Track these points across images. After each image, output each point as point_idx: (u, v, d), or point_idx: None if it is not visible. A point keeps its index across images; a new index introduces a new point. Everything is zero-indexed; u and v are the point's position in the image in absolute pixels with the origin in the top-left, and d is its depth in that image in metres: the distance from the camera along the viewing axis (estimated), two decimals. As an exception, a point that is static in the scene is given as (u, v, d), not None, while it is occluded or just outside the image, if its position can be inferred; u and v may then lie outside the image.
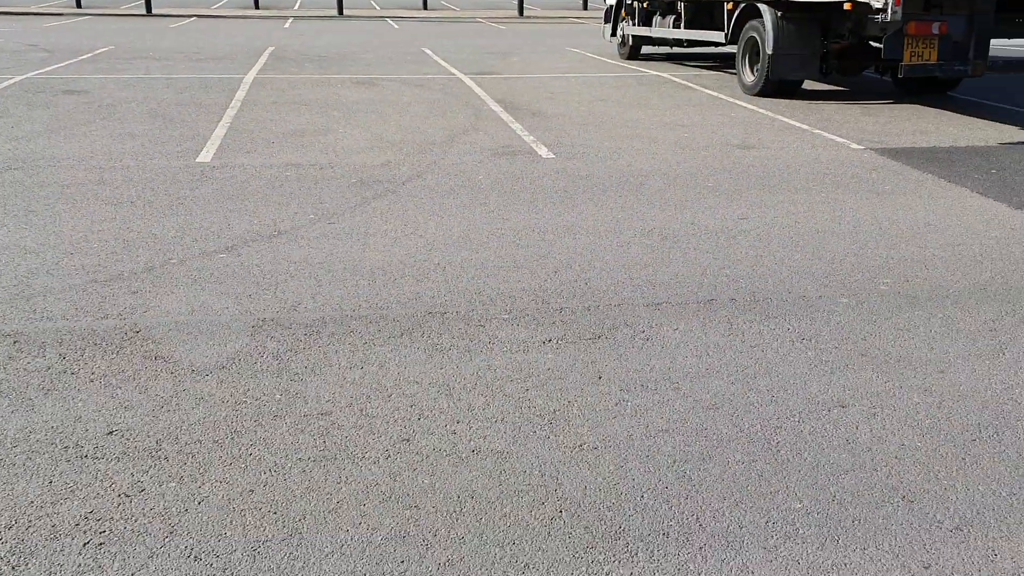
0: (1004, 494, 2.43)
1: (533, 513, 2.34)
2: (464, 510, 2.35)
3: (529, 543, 2.22)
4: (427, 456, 2.60)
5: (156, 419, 2.78)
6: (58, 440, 2.66)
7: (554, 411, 2.87)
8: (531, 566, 2.13)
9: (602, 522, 2.30)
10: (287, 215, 5.00)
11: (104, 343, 3.32)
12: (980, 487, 2.47)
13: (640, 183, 5.81)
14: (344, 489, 2.43)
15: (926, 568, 2.13)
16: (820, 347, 3.34)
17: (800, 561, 2.15)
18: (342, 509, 2.34)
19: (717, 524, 2.29)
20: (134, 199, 5.31)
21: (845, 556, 2.17)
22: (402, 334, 3.43)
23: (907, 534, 2.25)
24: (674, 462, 2.57)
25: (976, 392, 3.01)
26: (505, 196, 5.46)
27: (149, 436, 2.68)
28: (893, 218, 5.07)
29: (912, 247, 4.56)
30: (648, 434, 2.72)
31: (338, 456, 2.59)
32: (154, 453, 2.59)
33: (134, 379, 3.04)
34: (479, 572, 2.11)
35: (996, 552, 2.19)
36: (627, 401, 2.92)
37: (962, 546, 2.21)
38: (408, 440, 2.69)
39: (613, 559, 2.15)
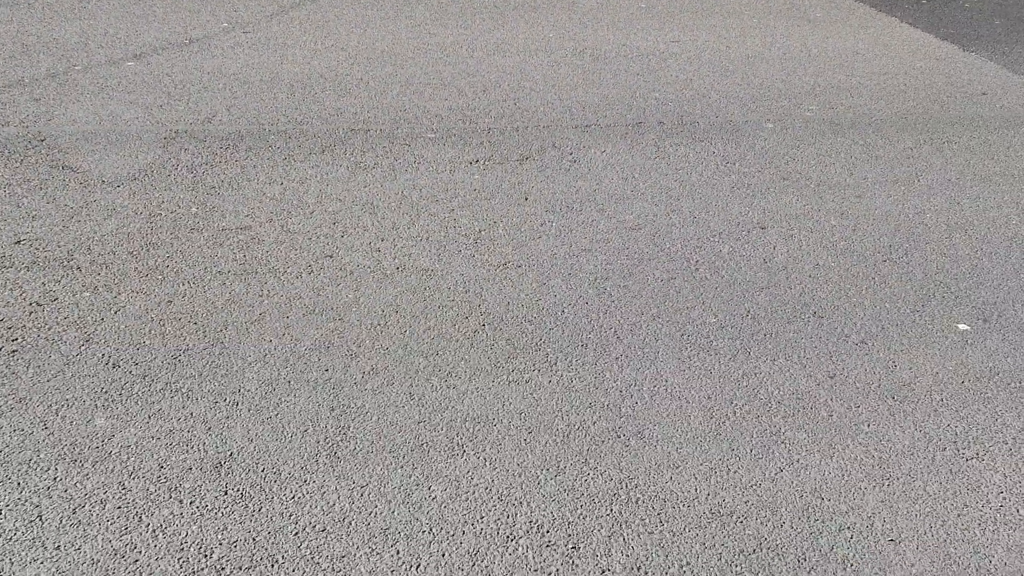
0: (907, 311, 2.56)
1: (457, 326, 2.36)
2: (389, 323, 2.36)
3: (452, 353, 2.25)
4: (351, 272, 2.58)
5: (66, 229, 2.67)
6: (-40, 250, 2.54)
7: (479, 231, 2.85)
8: (454, 374, 2.17)
9: (523, 335, 2.34)
10: (199, 22, 4.69)
11: (7, 151, 3.13)
12: (886, 304, 2.58)
13: (573, 1, 5.61)
14: (266, 302, 2.41)
15: (831, 377, 2.25)
16: (744, 171, 3.37)
17: (712, 371, 2.24)
18: (265, 320, 2.33)
19: (634, 337, 2.36)
20: (32, 1, 4.90)
21: (755, 367, 2.27)
22: (323, 150, 3.32)
23: (815, 347, 2.36)
24: (595, 279, 2.61)
25: (890, 216, 3.10)
26: (432, 10, 5.21)
27: (60, 246, 2.58)
28: (823, 45, 5.04)
29: (839, 74, 4.56)
30: (571, 253, 2.74)
31: (259, 270, 2.55)
32: (65, 263, 2.50)
33: (41, 188, 2.89)
34: (403, 379, 2.14)
35: (895, 363, 2.32)
36: (552, 221, 2.92)
37: (865, 358, 2.34)
38: (331, 256, 2.65)
39: (533, 368, 2.21)
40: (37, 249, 2.57)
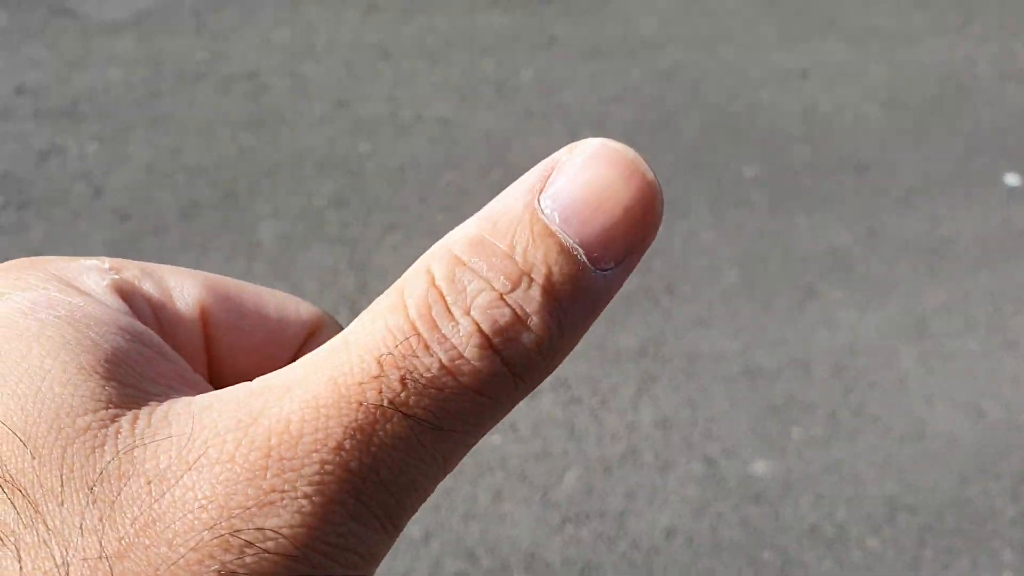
0: (953, 165, 2.43)
1: (479, 180, 2.27)
2: (407, 177, 2.27)
3: (474, 208, 2.16)
4: (366, 122, 2.46)
5: (69, 78, 2.55)
6: (-39, 99, 2.44)
7: (502, 78, 2.71)
8: (477, 229, 2.10)
9: (549, 188, 2.25)
10: None
11: (0, -5, 2.97)
12: (931, 157, 2.45)
13: None
14: (278, 154, 2.31)
15: (870, 233, 2.15)
16: (786, 15, 3.16)
17: (747, 226, 2.15)
18: (277, 173, 2.24)
19: (666, 191, 2.25)
20: None
21: (792, 222, 2.17)
22: (336, -7, 3.14)
23: (855, 202, 2.26)
24: (626, 131, 2.49)
25: (939, 64, 2.92)
26: None
27: (63, 96, 2.47)
28: None
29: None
30: (600, 102, 2.61)
31: (269, 120, 2.44)
32: (70, 113, 2.40)
33: (40, 35, 2.75)
34: (423, 235, 2.07)
35: (937, 219, 2.22)
36: (580, 68, 2.77)
37: (906, 213, 2.23)
38: (345, 105, 2.53)
39: (560, 223, 2.13)
40: (40, 99, 2.46)
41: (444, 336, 0.19)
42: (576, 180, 0.19)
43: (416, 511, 0.19)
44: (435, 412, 0.19)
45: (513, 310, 0.19)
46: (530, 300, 0.19)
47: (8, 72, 2.56)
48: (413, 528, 1.56)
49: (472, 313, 0.19)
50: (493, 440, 1.68)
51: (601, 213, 0.19)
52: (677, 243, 2.10)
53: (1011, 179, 2.39)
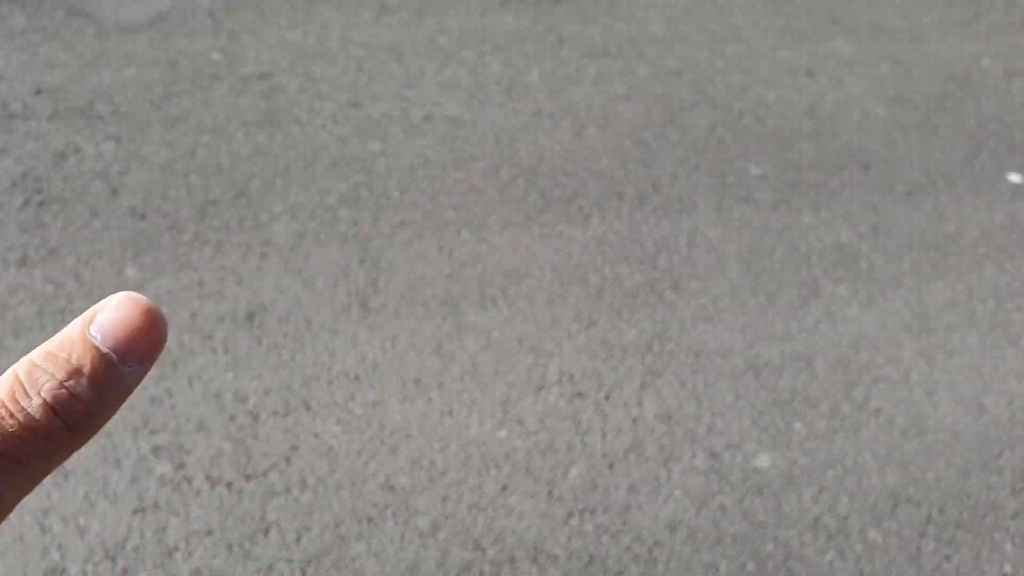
0: (958, 161, 2.44)
1: (488, 178, 2.30)
2: (417, 175, 2.30)
3: (483, 206, 2.20)
4: (377, 122, 2.50)
5: (85, 78, 2.60)
6: (-19, 100, 2.49)
7: (511, 77, 2.74)
8: (485, 227, 2.13)
9: (557, 187, 2.27)
10: None
11: (19, -2, 3.03)
12: (935, 155, 2.47)
13: None
14: (291, 153, 2.35)
15: (874, 229, 2.17)
16: (792, 13, 3.18)
17: (752, 223, 2.18)
18: (290, 172, 2.28)
19: (672, 188, 2.28)
20: None
21: (797, 218, 2.19)
22: (348, -7, 3.17)
23: (859, 198, 2.28)
24: (633, 128, 2.51)
25: (945, 61, 2.92)
26: None
27: (79, 96, 2.52)
28: None
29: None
30: (608, 100, 2.63)
31: (283, 120, 2.48)
32: (87, 113, 2.45)
33: (57, 36, 2.81)
34: (433, 232, 2.11)
35: (941, 215, 2.24)
36: (588, 67, 2.79)
37: (910, 209, 2.25)
38: (357, 105, 2.57)
39: (566, 220, 2.15)
40: (57, 99, 2.51)
41: (23, 407, 0.29)
42: (111, 314, 0.30)
43: (8, 512, 0.31)
44: (15, 451, 0.29)
45: (68, 391, 0.30)
46: (80, 384, 0.30)
47: (26, 73, 2.61)
48: (421, 519, 1.59)
49: (42, 393, 0.30)
50: (500, 434, 1.71)
51: (125, 333, 0.30)
52: (683, 239, 2.13)
53: (1015, 176, 2.41)
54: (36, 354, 0.31)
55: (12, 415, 0.29)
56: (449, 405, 1.74)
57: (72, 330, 0.31)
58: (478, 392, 1.77)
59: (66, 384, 0.30)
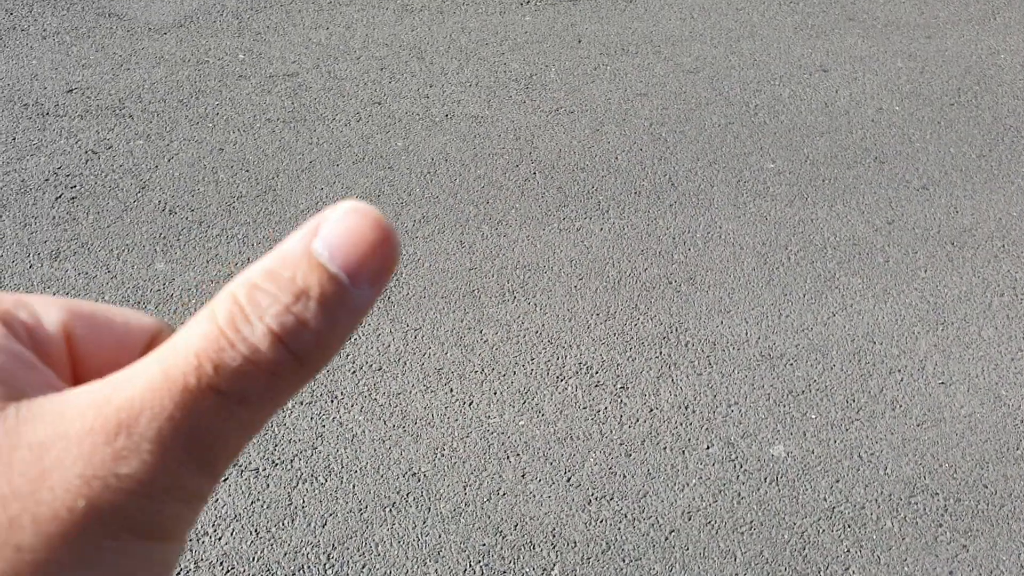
0: (973, 156, 2.46)
1: (507, 174, 2.34)
2: (438, 171, 2.34)
3: (503, 201, 2.24)
4: (400, 119, 2.54)
5: (116, 77, 2.66)
6: (16, 98, 2.56)
7: (530, 75, 2.78)
8: (504, 222, 2.17)
9: (575, 182, 2.31)
10: None
11: None
12: (951, 149, 2.48)
13: None
14: (316, 150, 2.40)
15: (889, 223, 2.19)
16: (807, 10, 3.20)
17: (768, 217, 2.20)
18: (315, 168, 2.33)
19: (689, 184, 2.31)
20: None
21: (812, 213, 2.22)
22: (369, -6, 3.23)
23: (875, 192, 2.30)
24: (650, 125, 2.54)
25: (960, 57, 2.93)
26: None
27: (111, 95, 2.59)
28: None
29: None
30: (626, 98, 2.66)
31: (308, 117, 2.53)
32: (117, 112, 2.51)
33: (89, 36, 2.87)
34: (454, 227, 2.15)
35: (957, 209, 2.25)
36: (606, 65, 2.83)
37: (926, 203, 2.27)
38: (379, 103, 2.61)
39: (584, 216, 2.19)
40: (89, 97, 2.57)
41: (244, 336, 0.25)
42: (337, 228, 0.26)
43: (231, 462, 0.27)
44: (239, 390, 0.26)
45: (296, 316, 0.26)
46: (308, 309, 0.26)
47: (58, 72, 2.67)
48: (443, 504, 1.63)
49: (265, 319, 0.26)
50: (519, 423, 1.75)
51: (356, 249, 0.26)
52: (699, 233, 2.16)
53: (1032, 170, 2.42)
54: (255, 273, 0.27)
55: (233, 345, 0.26)
56: (470, 395, 1.78)
57: (293, 245, 0.27)
58: (498, 382, 1.81)
59: (293, 309, 0.26)
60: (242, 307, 0.26)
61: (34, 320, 0.31)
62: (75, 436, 0.25)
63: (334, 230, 0.26)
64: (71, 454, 0.25)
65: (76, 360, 0.32)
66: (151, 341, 0.33)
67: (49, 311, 0.31)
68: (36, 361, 0.29)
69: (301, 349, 0.26)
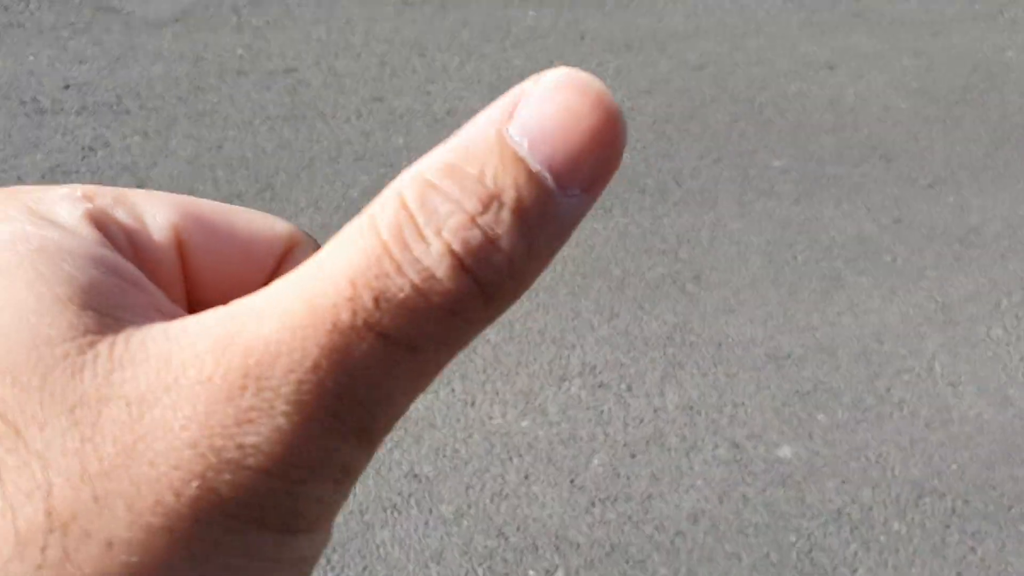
0: (981, 154, 2.44)
1: (509, 171, 2.32)
2: (440, 168, 2.32)
3: (505, 198, 2.22)
4: (401, 116, 2.52)
5: (113, 73, 2.64)
6: (13, 95, 2.53)
7: (533, 71, 2.74)
8: (507, 219, 2.15)
9: (579, 179, 2.29)
10: None
11: (47, -5, 3.07)
12: (958, 147, 2.46)
13: None
14: (316, 147, 2.38)
15: (896, 222, 2.17)
16: (813, 7, 3.17)
17: (774, 215, 2.18)
18: (315, 166, 2.30)
19: (694, 181, 2.29)
20: None
21: (819, 211, 2.20)
22: (370, -10, 3.20)
23: (882, 191, 2.28)
24: (655, 122, 2.52)
25: (968, 54, 2.91)
26: None
27: (108, 91, 2.56)
28: None
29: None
30: (630, 95, 2.64)
31: (307, 114, 2.50)
32: (115, 108, 2.49)
33: (86, 32, 2.85)
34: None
35: (964, 208, 2.23)
36: (610, 61, 2.80)
37: (933, 202, 2.25)
38: (380, 99, 2.59)
39: (588, 214, 2.17)
40: (86, 94, 2.55)
41: (416, 257, 0.19)
42: (542, 108, 0.19)
43: (391, 428, 0.20)
44: (408, 331, 0.19)
45: (484, 231, 0.19)
46: (500, 222, 0.19)
47: (55, 68, 2.65)
48: (445, 506, 1.61)
49: (443, 234, 0.19)
50: (522, 424, 1.73)
51: (567, 139, 0.19)
52: (705, 232, 2.13)
53: (1041, 168, 2.40)
54: (430, 167, 0.20)
55: (400, 269, 0.19)
56: (472, 395, 1.75)
57: (482, 130, 0.20)
58: (501, 383, 1.78)
59: (480, 220, 0.19)
60: (412, 215, 0.19)
61: (137, 222, 0.24)
62: (186, 388, 0.18)
63: (537, 111, 0.19)
64: (180, 414, 0.18)
65: (190, 274, 0.25)
66: (287, 253, 0.26)
67: (157, 211, 0.24)
68: (140, 276, 0.21)
69: (488, 277, 0.19)
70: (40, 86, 2.57)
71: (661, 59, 2.82)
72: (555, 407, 1.75)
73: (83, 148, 2.33)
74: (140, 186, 2.20)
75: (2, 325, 0.18)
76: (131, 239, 0.23)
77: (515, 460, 1.68)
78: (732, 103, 2.61)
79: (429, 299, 0.19)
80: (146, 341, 0.19)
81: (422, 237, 0.19)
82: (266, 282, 0.21)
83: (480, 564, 1.54)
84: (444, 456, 1.67)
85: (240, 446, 0.18)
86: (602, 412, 1.75)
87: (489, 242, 0.19)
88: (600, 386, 1.80)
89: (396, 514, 1.58)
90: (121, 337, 0.19)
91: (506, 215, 0.19)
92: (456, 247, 0.19)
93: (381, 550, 1.54)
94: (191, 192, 2.18)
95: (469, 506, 1.61)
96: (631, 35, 2.94)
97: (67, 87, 2.57)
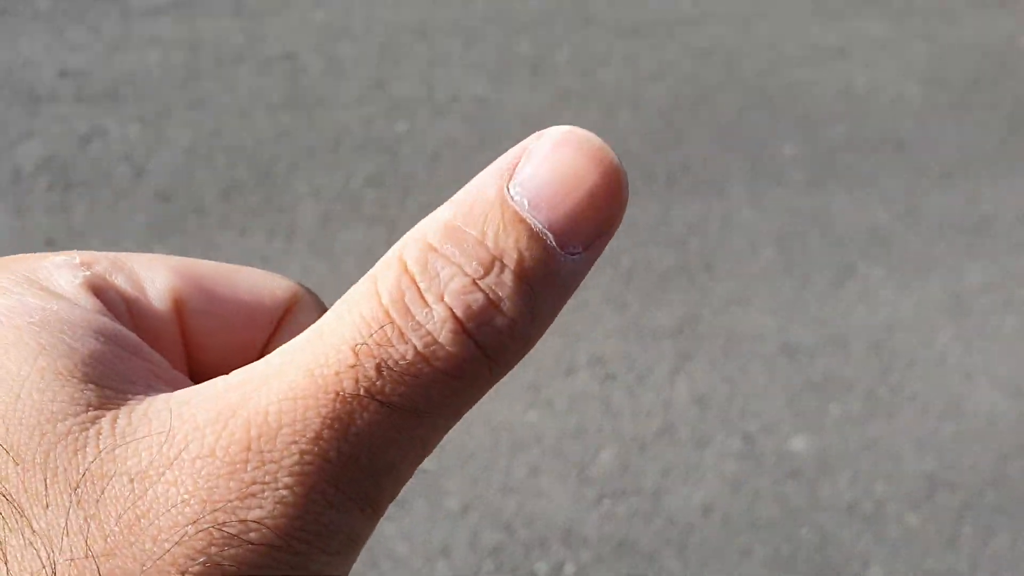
0: (994, 142, 2.40)
1: (514, 159, 2.28)
2: (443, 157, 2.28)
3: (510, 187, 2.18)
4: (402, 102, 2.48)
5: (109, 61, 2.59)
6: (7, 83, 2.49)
7: (539, 57, 2.71)
8: (513, 208, 2.11)
9: (585, 167, 2.25)
10: None
11: (42, -20, 3.02)
12: (971, 135, 2.42)
13: None
14: (316, 135, 2.33)
15: (909, 211, 2.13)
16: (821, -7, 3.13)
17: (785, 205, 2.14)
18: (315, 154, 2.26)
19: (704, 169, 2.25)
20: None
21: (830, 200, 2.16)
22: (371, -26, 3.15)
23: (894, 180, 2.24)
24: (663, 109, 2.48)
25: (980, 42, 2.87)
26: None
27: (104, 78, 2.51)
28: None
29: None
30: (638, 81, 2.60)
31: (307, 101, 2.46)
32: (111, 96, 2.44)
33: (81, 18, 2.80)
34: (460, 214, 2.09)
35: (977, 197, 2.20)
36: (617, 47, 2.76)
37: (946, 192, 2.21)
38: (381, 86, 2.55)
39: (596, 202, 2.13)
40: (82, 82, 2.50)
41: (418, 323, 0.19)
42: (543, 166, 0.19)
43: (397, 494, 0.20)
44: (411, 398, 0.19)
45: (486, 294, 0.19)
46: (502, 284, 0.19)
47: (51, 56, 2.60)
48: (451, 501, 1.58)
49: (445, 299, 0.19)
50: (529, 417, 1.69)
51: (568, 198, 0.19)
52: (715, 222, 2.10)
53: (1055, 156, 2.36)
54: (431, 229, 0.20)
55: (403, 337, 0.19)
56: (478, 387, 1.73)
57: (483, 190, 0.20)
58: (507, 375, 1.75)
59: (482, 283, 0.19)
60: (414, 278, 0.19)
61: (136, 289, 0.24)
62: (188, 463, 0.17)
63: (538, 169, 0.19)
64: (183, 489, 0.17)
65: (190, 339, 0.24)
66: (287, 313, 0.25)
67: (156, 276, 0.24)
68: (139, 344, 0.21)
69: (491, 341, 0.19)
70: (35, 74, 2.52)
71: (669, 44, 2.77)
72: (563, 399, 1.72)
73: (79, 137, 2.28)
74: (138, 175, 2.16)
75: (2, 402, 0.18)
76: (130, 306, 0.23)
77: (522, 453, 1.65)
78: (741, 89, 2.57)
79: (432, 365, 0.19)
80: (148, 415, 0.19)
81: (424, 302, 0.19)
82: (268, 342, 0.21)
83: (487, 558, 1.51)
84: (450, 450, 1.64)
85: (243, 521, 0.17)
86: (610, 405, 1.72)
87: (492, 305, 0.19)
88: (609, 378, 1.76)
89: (402, 509, 1.55)
90: (123, 411, 0.19)
91: (508, 277, 0.19)
92: (458, 312, 0.19)
93: (387, 545, 1.51)
94: (190, 179, 2.14)
95: (476, 500, 1.58)
96: (638, 19, 2.89)
97: (63, 75, 2.53)
